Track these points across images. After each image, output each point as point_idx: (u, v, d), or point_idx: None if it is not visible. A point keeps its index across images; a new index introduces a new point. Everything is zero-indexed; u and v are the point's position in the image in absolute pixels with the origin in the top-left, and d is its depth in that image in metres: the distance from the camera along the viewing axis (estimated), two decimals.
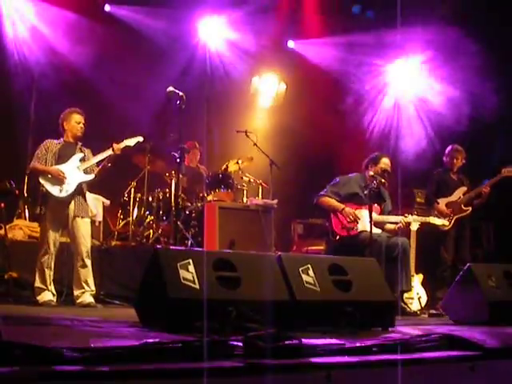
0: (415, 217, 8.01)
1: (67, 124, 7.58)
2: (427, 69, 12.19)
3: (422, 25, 11.03)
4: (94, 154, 7.66)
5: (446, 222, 8.36)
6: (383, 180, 7.90)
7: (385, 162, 7.99)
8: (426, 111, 12.06)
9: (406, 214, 7.91)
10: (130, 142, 7.78)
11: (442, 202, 8.73)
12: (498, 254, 10.59)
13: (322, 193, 7.92)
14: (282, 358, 2.66)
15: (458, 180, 9.02)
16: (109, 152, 7.50)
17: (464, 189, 8.85)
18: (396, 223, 7.85)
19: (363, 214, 7.63)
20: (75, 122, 7.57)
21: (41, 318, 5.03)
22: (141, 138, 7.90)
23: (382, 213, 7.91)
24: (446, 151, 9.12)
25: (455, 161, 8.99)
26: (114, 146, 7.51)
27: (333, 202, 7.82)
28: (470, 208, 8.72)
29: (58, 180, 7.27)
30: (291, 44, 13.37)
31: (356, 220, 7.62)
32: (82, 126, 7.61)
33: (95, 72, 11.09)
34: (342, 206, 7.75)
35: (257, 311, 3.99)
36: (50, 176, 7.28)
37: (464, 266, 8.10)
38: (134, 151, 10.08)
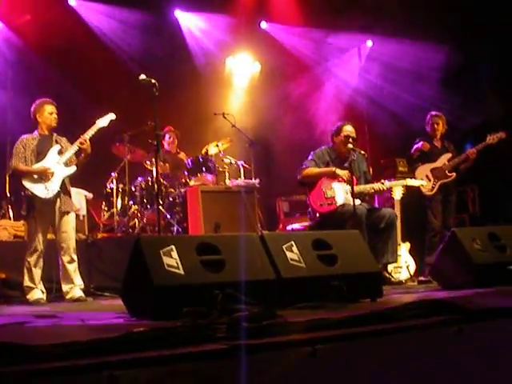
0: (392, 182, 8.03)
1: (40, 116, 7.38)
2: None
3: None
4: (70, 141, 7.49)
5: (423, 183, 8.35)
6: (363, 152, 7.92)
7: (347, 130, 7.93)
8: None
9: (383, 181, 7.91)
10: (104, 121, 7.53)
11: (426, 168, 8.73)
12: (484, 218, 10.63)
13: (303, 166, 7.90)
14: (266, 337, 2.66)
15: (441, 147, 9.01)
16: (75, 147, 7.29)
17: (448, 155, 8.84)
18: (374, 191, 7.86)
19: (339, 186, 7.65)
20: (48, 113, 7.38)
21: (29, 317, 5.01)
22: (113, 116, 7.61)
23: (357, 183, 7.85)
24: (427, 119, 9.13)
25: (436, 127, 8.99)
26: (81, 140, 7.25)
27: (319, 169, 7.80)
28: (455, 174, 8.73)
29: (45, 178, 7.16)
30: (264, 25, 13.37)
31: (349, 180, 7.56)
32: (56, 116, 7.42)
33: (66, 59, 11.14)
34: (333, 168, 7.74)
35: (243, 292, 3.99)
36: (35, 177, 7.13)
37: (448, 230, 8.22)
38: (112, 141, 10.07)
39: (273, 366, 2.47)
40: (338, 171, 7.66)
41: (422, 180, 8.41)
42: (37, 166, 7.21)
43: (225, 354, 2.42)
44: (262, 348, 2.48)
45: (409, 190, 8.13)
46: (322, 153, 7.97)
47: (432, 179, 8.66)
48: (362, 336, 2.84)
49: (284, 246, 4.69)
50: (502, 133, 8.71)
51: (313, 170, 7.81)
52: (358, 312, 3.40)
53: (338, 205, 7.54)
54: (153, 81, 6.84)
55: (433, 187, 8.61)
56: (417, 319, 3.20)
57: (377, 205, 9.02)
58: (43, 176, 7.15)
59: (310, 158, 7.93)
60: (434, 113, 9.12)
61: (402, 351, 2.94)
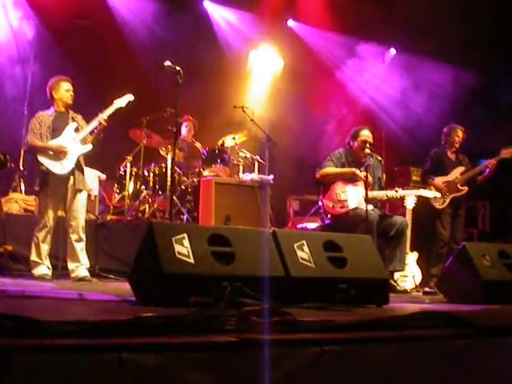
0: (405, 191, 8.00)
1: (56, 93, 7.39)
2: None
3: None
4: (86, 119, 7.49)
5: (437, 194, 8.31)
6: (379, 158, 7.90)
7: (364, 135, 7.92)
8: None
9: (397, 188, 7.89)
10: (121, 102, 7.51)
11: (438, 181, 8.69)
12: (493, 235, 10.61)
13: (322, 165, 7.88)
14: (276, 334, 2.66)
15: (455, 160, 8.95)
16: (96, 122, 7.30)
17: (461, 169, 8.79)
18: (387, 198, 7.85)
19: (353, 190, 7.64)
20: (64, 90, 7.39)
21: (35, 292, 5.02)
22: (131, 97, 7.59)
23: (371, 189, 7.82)
24: (444, 130, 9.07)
25: (453, 140, 8.93)
26: (100, 117, 7.28)
27: (339, 169, 7.79)
28: (466, 188, 8.70)
29: (60, 155, 7.18)
30: (291, 23, 13.39)
31: (367, 182, 7.53)
32: (72, 93, 7.43)
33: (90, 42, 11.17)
34: (353, 169, 7.72)
35: (251, 287, 3.99)
36: (50, 153, 7.15)
37: (457, 244, 8.21)
38: (130, 125, 10.09)
39: (281, 362, 2.47)
40: (358, 172, 7.64)
41: (436, 192, 8.37)
42: (52, 143, 7.22)
43: (235, 347, 2.42)
44: (271, 344, 2.48)
45: (420, 200, 8.10)
46: (340, 154, 7.96)
47: (444, 190, 8.62)
48: (370, 341, 2.83)
49: (295, 245, 4.68)
50: None
51: (332, 169, 7.80)
52: (367, 317, 3.39)
53: (350, 208, 7.53)
54: (177, 68, 6.85)
55: (444, 201, 8.57)
56: (425, 329, 3.19)
57: (387, 212, 8.99)
58: (59, 153, 7.16)
59: (328, 158, 7.91)
60: (454, 124, 9.05)
61: (408, 360, 2.93)
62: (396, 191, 7.81)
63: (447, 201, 8.58)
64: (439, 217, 8.66)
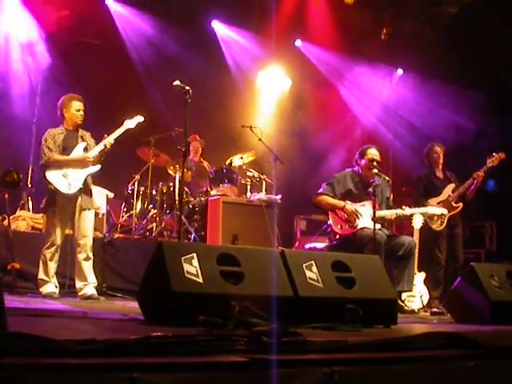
0: (413, 209, 7.99)
1: (67, 112, 7.41)
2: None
3: None
4: (95, 138, 7.53)
5: (444, 211, 8.28)
6: (387, 178, 7.91)
7: (371, 153, 7.95)
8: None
9: (404, 207, 7.89)
10: (131, 123, 7.57)
11: (432, 202, 8.65)
12: (500, 255, 10.59)
13: (319, 191, 7.91)
14: (286, 354, 2.66)
15: (444, 178, 8.99)
16: (101, 146, 7.34)
17: (452, 186, 8.81)
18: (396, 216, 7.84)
19: (361, 209, 7.64)
20: (75, 109, 7.40)
21: (43, 310, 5.03)
22: (141, 118, 7.66)
23: (379, 209, 7.83)
24: (425, 152, 9.12)
25: (433, 158, 8.98)
26: (107, 142, 7.32)
27: (332, 200, 7.79)
28: (461, 204, 8.69)
29: (83, 165, 7.24)
30: (298, 43, 13.48)
31: (357, 216, 7.59)
32: (82, 113, 7.44)
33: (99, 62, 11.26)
34: (343, 203, 7.72)
35: (260, 306, 3.99)
36: (59, 172, 7.14)
37: (457, 263, 8.25)
38: (138, 144, 10.14)
39: (291, 383, 2.47)
40: (348, 206, 7.65)
41: (443, 209, 8.34)
42: (77, 155, 7.31)
43: (246, 367, 2.42)
44: (281, 364, 2.48)
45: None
46: (345, 176, 7.97)
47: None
48: (381, 362, 2.83)
49: (304, 265, 4.69)
50: (501, 153, 8.70)
51: (326, 199, 7.83)
52: (377, 338, 3.39)
53: (358, 228, 7.53)
54: (186, 87, 6.88)
55: (442, 222, 8.54)
56: (434, 350, 3.19)
57: (394, 232, 8.98)
58: (82, 163, 7.24)
59: (329, 181, 7.92)
60: (433, 143, 9.10)
61: (417, 381, 2.92)
62: (403, 209, 7.82)
63: (445, 221, 8.56)
64: (435, 240, 8.63)
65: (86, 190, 7.33)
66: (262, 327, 3.11)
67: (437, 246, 8.62)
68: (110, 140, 7.32)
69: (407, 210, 7.83)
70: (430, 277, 8.38)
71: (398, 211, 7.81)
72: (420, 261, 7.94)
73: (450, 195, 8.72)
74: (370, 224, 7.37)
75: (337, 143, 12.62)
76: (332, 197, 7.81)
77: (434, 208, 8.15)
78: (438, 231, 8.56)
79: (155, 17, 12.07)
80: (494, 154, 8.74)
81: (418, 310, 7.71)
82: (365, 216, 7.59)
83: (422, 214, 7.97)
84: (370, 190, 7.56)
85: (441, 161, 8.98)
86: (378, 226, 7.39)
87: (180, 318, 3.84)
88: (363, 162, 7.93)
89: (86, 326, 4.10)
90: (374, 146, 8.17)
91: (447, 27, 12.01)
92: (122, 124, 7.54)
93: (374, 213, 7.24)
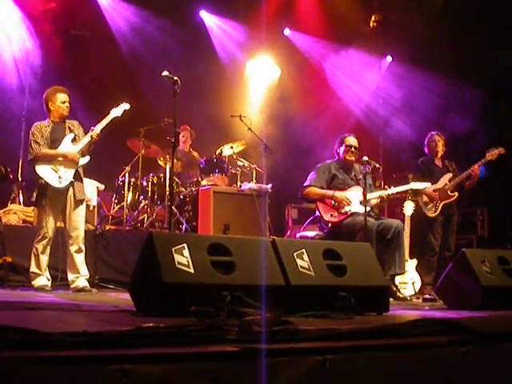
0: (396, 188, 8.01)
1: (52, 104, 7.36)
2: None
3: None
4: (83, 126, 7.50)
5: (428, 185, 8.31)
6: (377, 165, 7.92)
7: (349, 140, 8.07)
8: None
9: (386, 187, 7.95)
10: (118, 111, 7.52)
11: (428, 189, 8.66)
12: (491, 241, 10.62)
13: (305, 184, 7.95)
14: (278, 343, 2.66)
15: (443, 166, 9.00)
16: (88, 138, 7.27)
17: (449, 175, 8.81)
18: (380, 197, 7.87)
19: (349, 196, 7.68)
20: (60, 101, 7.35)
21: (35, 303, 5.03)
22: (127, 105, 7.60)
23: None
24: (426, 140, 9.14)
25: (436, 148, 8.99)
26: (94, 133, 7.25)
27: (320, 190, 7.84)
28: (457, 193, 8.70)
29: (71, 162, 7.19)
30: (287, 32, 13.46)
31: (347, 202, 7.63)
32: (68, 104, 7.40)
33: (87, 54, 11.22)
34: (331, 192, 7.76)
35: (251, 296, 3.98)
36: (48, 166, 7.10)
37: (449, 252, 8.28)
38: (128, 136, 10.12)
39: (283, 371, 2.47)
40: (337, 194, 7.70)
41: (427, 183, 8.33)
42: (66, 150, 7.24)
43: (237, 357, 2.42)
44: (273, 353, 2.48)
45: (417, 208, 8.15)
46: (328, 165, 8.05)
47: (436, 197, 8.63)
48: (372, 349, 2.83)
49: (295, 254, 4.68)
50: (500, 148, 8.70)
51: (314, 189, 7.89)
52: (369, 325, 3.39)
53: (351, 212, 7.57)
54: (175, 78, 6.85)
55: (436, 209, 8.58)
56: (426, 337, 3.19)
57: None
58: (72, 160, 7.20)
59: (312, 173, 7.99)
60: (434, 132, 9.11)
61: (409, 367, 2.93)
62: (385, 189, 7.88)
63: (439, 208, 8.59)
64: (431, 226, 8.66)
65: (77, 182, 7.29)
66: (254, 316, 3.11)
67: (431, 232, 8.64)
68: (96, 130, 7.27)
69: (390, 190, 7.89)
70: (422, 262, 8.41)
71: (382, 192, 7.85)
72: (412, 247, 7.97)
73: (446, 184, 8.73)
74: (359, 208, 7.43)
75: (326, 131, 12.58)
76: (320, 187, 7.84)
77: (416, 183, 8.14)
78: (432, 217, 8.59)
79: (144, 7, 12.03)
80: (493, 148, 8.72)
81: (411, 296, 7.72)
82: (354, 201, 7.64)
83: (412, 199, 8.00)
84: (361, 177, 7.61)
85: (439, 149, 8.98)
86: (368, 208, 7.42)
87: (171, 309, 3.84)
88: (342, 149, 8.03)
89: (79, 318, 4.08)
90: (352, 134, 8.24)
91: (437, 14, 11.98)
92: (109, 113, 7.51)
93: (365, 198, 7.27)
